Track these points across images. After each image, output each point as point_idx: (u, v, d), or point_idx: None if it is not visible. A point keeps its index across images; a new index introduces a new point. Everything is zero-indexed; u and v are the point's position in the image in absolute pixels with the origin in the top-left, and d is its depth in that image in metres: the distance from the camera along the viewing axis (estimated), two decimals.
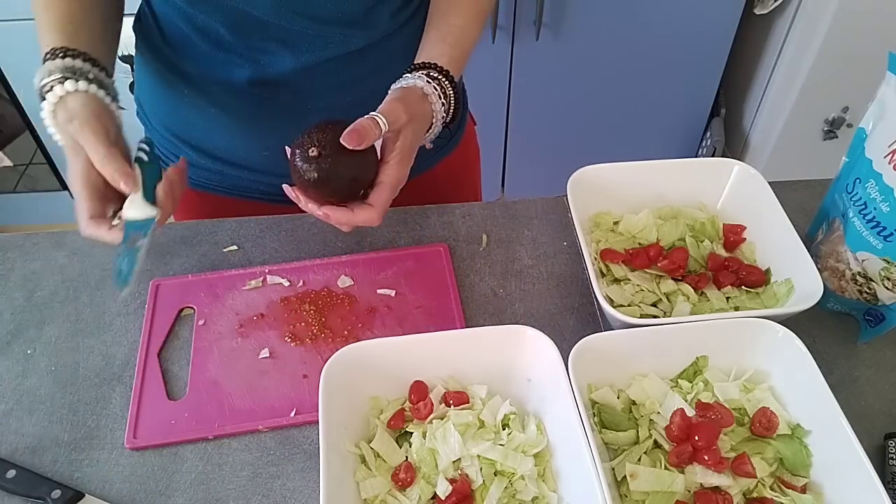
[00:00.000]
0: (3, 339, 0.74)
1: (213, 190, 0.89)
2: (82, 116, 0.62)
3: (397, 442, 0.62)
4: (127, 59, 1.45)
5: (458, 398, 0.63)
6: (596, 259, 0.76)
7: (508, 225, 0.85)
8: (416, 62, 0.73)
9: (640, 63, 1.81)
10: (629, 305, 0.72)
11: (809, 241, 0.77)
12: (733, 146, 2.02)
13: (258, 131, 0.81)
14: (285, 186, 0.66)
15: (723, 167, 0.80)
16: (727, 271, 0.74)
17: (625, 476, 0.58)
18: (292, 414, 0.68)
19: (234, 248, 0.83)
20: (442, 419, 0.62)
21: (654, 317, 0.71)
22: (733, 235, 0.78)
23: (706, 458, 0.58)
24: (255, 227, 0.85)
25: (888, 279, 0.67)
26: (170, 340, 0.74)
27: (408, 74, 0.71)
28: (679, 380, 0.66)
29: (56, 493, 0.62)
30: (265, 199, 0.88)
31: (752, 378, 0.65)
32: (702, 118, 1.97)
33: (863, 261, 0.69)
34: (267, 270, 0.79)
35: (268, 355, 0.72)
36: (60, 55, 0.65)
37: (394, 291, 0.78)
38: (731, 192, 0.80)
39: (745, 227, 0.78)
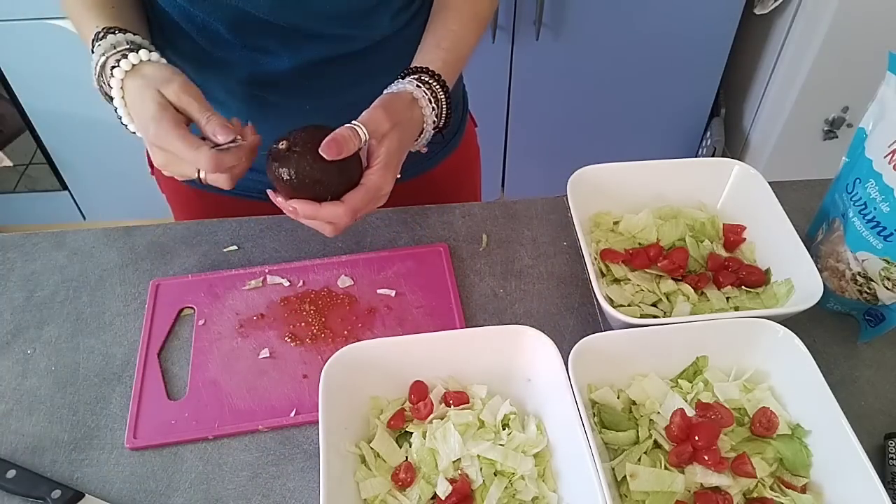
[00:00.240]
0: (3, 339, 0.74)
1: (213, 190, 0.89)
2: (171, 80, 0.63)
3: (397, 442, 0.62)
4: None
5: (458, 398, 0.63)
6: (596, 259, 0.76)
7: (508, 225, 0.85)
8: (409, 67, 0.73)
9: (640, 63, 1.81)
10: (629, 305, 0.72)
11: (809, 241, 0.77)
12: (733, 146, 2.02)
13: (257, 131, 0.81)
14: (269, 191, 0.66)
15: (723, 167, 0.80)
16: (727, 271, 0.74)
17: (625, 476, 0.58)
18: (292, 414, 0.68)
19: (234, 248, 0.83)
20: (442, 419, 0.62)
21: (654, 317, 0.71)
22: (733, 235, 0.78)
23: (706, 458, 0.58)
24: (255, 227, 0.85)
25: (888, 279, 0.67)
26: (170, 340, 0.74)
27: (399, 79, 0.71)
28: (679, 380, 0.66)
29: (56, 493, 0.62)
30: (265, 198, 0.88)
31: (752, 378, 0.65)
32: (702, 118, 1.97)
33: (863, 261, 0.69)
34: (267, 270, 0.79)
35: (268, 355, 0.72)
36: (113, 32, 0.66)
37: (394, 291, 0.78)
38: (731, 192, 0.80)
39: (745, 227, 0.78)
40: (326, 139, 0.62)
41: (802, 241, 0.71)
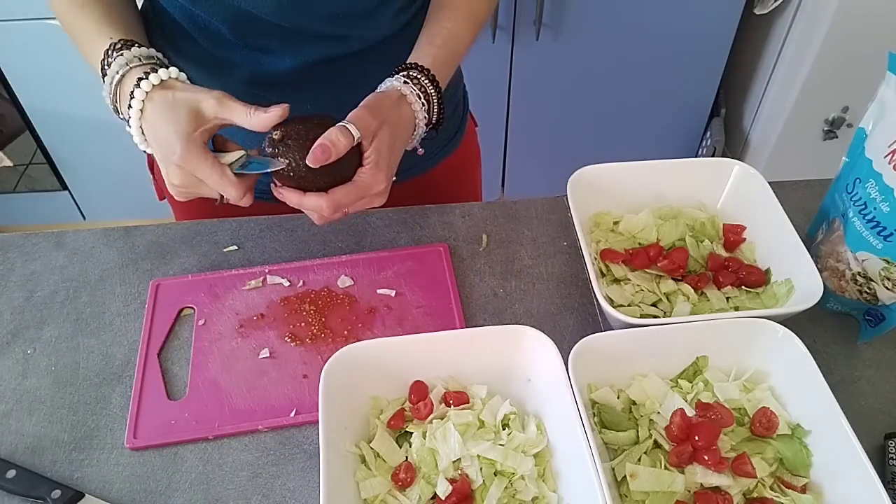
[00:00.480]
0: (3, 339, 0.74)
1: None
2: (206, 94, 0.63)
3: (397, 442, 0.62)
4: None
5: (458, 398, 0.63)
6: (596, 259, 0.76)
7: (508, 225, 0.85)
8: (400, 64, 0.72)
9: (640, 63, 1.81)
10: (629, 305, 0.72)
11: (809, 241, 0.77)
12: (733, 146, 2.02)
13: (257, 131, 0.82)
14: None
15: (723, 167, 0.80)
16: (727, 271, 0.74)
17: (625, 476, 0.58)
18: (292, 414, 0.68)
19: (234, 248, 0.83)
20: (442, 419, 0.62)
21: (654, 317, 0.71)
22: (733, 235, 0.78)
23: (706, 458, 0.58)
24: (255, 227, 0.85)
25: (888, 279, 0.67)
26: (170, 340, 0.74)
27: (388, 78, 0.71)
28: (679, 380, 0.66)
29: (56, 493, 0.62)
30: (265, 198, 0.88)
31: (752, 378, 0.65)
32: (702, 118, 1.97)
33: (863, 261, 0.69)
34: (267, 270, 0.79)
35: (268, 355, 0.72)
36: (129, 46, 0.66)
37: (394, 291, 0.78)
38: (731, 192, 0.80)
39: (745, 227, 0.78)
40: (315, 146, 0.61)
41: (802, 241, 0.71)
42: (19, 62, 1.70)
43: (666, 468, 0.59)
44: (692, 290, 0.73)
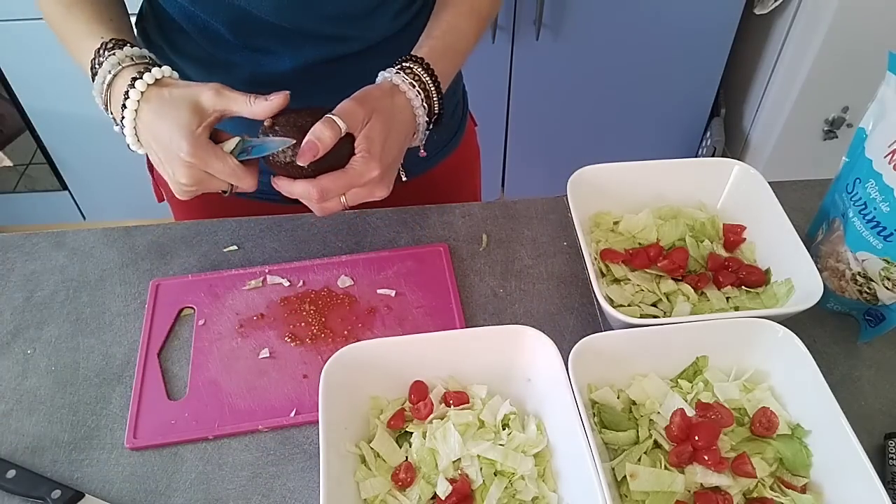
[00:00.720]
0: (3, 339, 0.74)
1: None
2: (203, 87, 0.63)
3: (397, 442, 0.62)
4: None
5: (458, 398, 0.63)
6: (596, 259, 0.76)
7: (508, 225, 0.85)
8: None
9: (640, 63, 1.81)
10: (629, 305, 0.72)
11: (809, 241, 0.77)
12: (733, 146, 2.02)
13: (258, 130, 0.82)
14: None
15: (723, 167, 0.80)
16: (727, 271, 0.74)
17: (625, 476, 0.58)
18: (292, 414, 0.68)
19: (234, 248, 0.83)
20: (442, 419, 0.62)
21: (654, 317, 0.71)
22: (733, 235, 0.78)
23: (706, 458, 0.58)
24: (255, 227, 0.85)
25: (888, 279, 0.67)
26: (170, 340, 0.74)
27: (382, 71, 0.70)
28: (679, 380, 0.66)
29: (56, 493, 0.62)
30: (265, 198, 0.88)
31: (752, 378, 0.65)
32: (702, 118, 1.97)
33: (863, 261, 0.69)
34: (267, 270, 0.79)
35: (268, 355, 0.72)
36: (121, 46, 0.66)
37: (394, 291, 0.78)
38: (731, 192, 0.80)
39: (745, 227, 0.78)
40: (302, 147, 0.61)
41: (802, 241, 0.71)
42: (19, 62, 1.70)
43: (666, 468, 0.59)
44: (692, 290, 0.73)
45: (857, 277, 0.70)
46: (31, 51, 1.66)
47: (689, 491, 0.58)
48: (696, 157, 2.03)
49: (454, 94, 0.94)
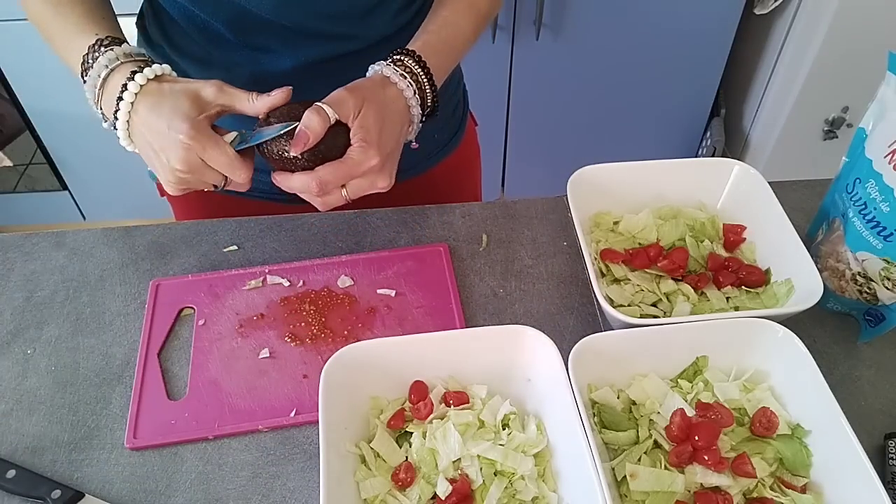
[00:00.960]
0: (3, 339, 0.74)
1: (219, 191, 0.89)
2: (205, 83, 0.64)
3: (397, 442, 0.62)
4: None
5: (458, 398, 0.63)
6: (596, 259, 0.76)
7: (508, 225, 0.85)
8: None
9: (640, 63, 1.81)
10: (629, 305, 0.72)
11: (809, 241, 0.77)
12: (733, 146, 2.02)
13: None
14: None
15: (723, 167, 0.80)
16: (727, 271, 0.74)
17: (625, 476, 0.58)
18: (292, 414, 0.68)
19: (234, 248, 0.83)
20: (442, 419, 0.62)
21: (654, 317, 0.71)
22: (733, 235, 0.78)
23: (706, 458, 0.58)
24: (255, 227, 0.85)
25: (888, 279, 0.67)
26: (170, 340, 0.74)
27: (372, 65, 0.70)
28: (679, 380, 0.66)
29: (56, 493, 0.62)
30: (265, 198, 0.88)
31: (752, 378, 0.65)
32: (702, 118, 1.97)
33: (863, 261, 0.69)
34: (267, 270, 0.79)
35: (268, 355, 0.72)
36: (118, 43, 0.66)
37: (394, 291, 0.78)
38: (731, 192, 0.80)
39: (745, 227, 0.78)
40: (295, 135, 0.61)
41: (802, 241, 0.71)
42: (19, 62, 1.70)
43: (666, 468, 0.59)
44: (692, 290, 0.73)
45: (857, 277, 0.70)
46: (31, 51, 1.66)
47: (689, 491, 0.58)
48: (696, 157, 2.03)
49: (455, 93, 0.94)
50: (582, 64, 1.80)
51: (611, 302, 0.71)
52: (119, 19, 0.73)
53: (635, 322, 0.64)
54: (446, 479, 0.59)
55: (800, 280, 0.70)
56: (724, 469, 0.58)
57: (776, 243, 0.74)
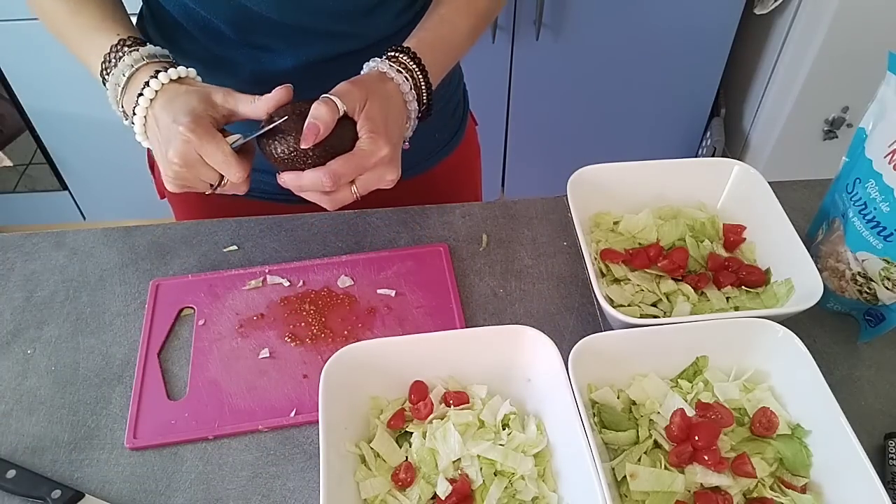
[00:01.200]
0: (3, 339, 0.74)
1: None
2: (217, 88, 0.65)
3: (397, 442, 0.62)
4: None
5: (458, 398, 0.63)
6: (596, 259, 0.76)
7: (508, 225, 0.85)
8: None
9: (640, 63, 1.81)
10: (629, 305, 0.72)
11: (809, 241, 0.77)
12: (733, 146, 2.02)
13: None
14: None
15: (723, 167, 0.80)
16: (727, 271, 0.74)
17: (625, 476, 0.58)
18: (292, 414, 0.68)
19: (234, 248, 0.83)
20: (442, 419, 0.62)
21: (654, 317, 0.71)
22: (733, 235, 0.78)
23: (706, 458, 0.58)
24: (255, 227, 0.85)
25: (888, 279, 0.67)
26: (170, 340, 0.74)
27: (367, 62, 0.70)
28: (679, 380, 0.66)
29: (56, 493, 0.62)
30: (265, 198, 0.88)
31: (752, 378, 0.65)
32: (702, 118, 1.97)
33: (863, 261, 0.69)
34: (267, 270, 0.79)
35: (268, 355, 0.72)
36: (142, 43, 0.67)
37: (394, 291, 0.78)
38: (731, 192, 0.80)
39: (745, 227, 0.78)
40: (304, 131, 0.61)
41: (802, 241, 0.71)
42: (19, 62, 1.70)
43: (666, 468, 0.59)
44: (692, 290, 0.73)
45: (857, 277, 0.70)
46: (31, 51, 1.66)
47: (689, 491, 0.58)
48: (696, 157, 2.03)
49: (455, 92, 0.94)
50: (582, 64, 1.80)
51: (611, 302, 0.71)
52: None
53: (635, 322, 0.64)
54: (446, 479, 0.59)
55: (800, 280, 0.70)
56: (724, 469, 0.58)
57: (776, 243, 0.74)
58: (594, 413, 0.63)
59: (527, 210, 0.87)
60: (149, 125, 0.66)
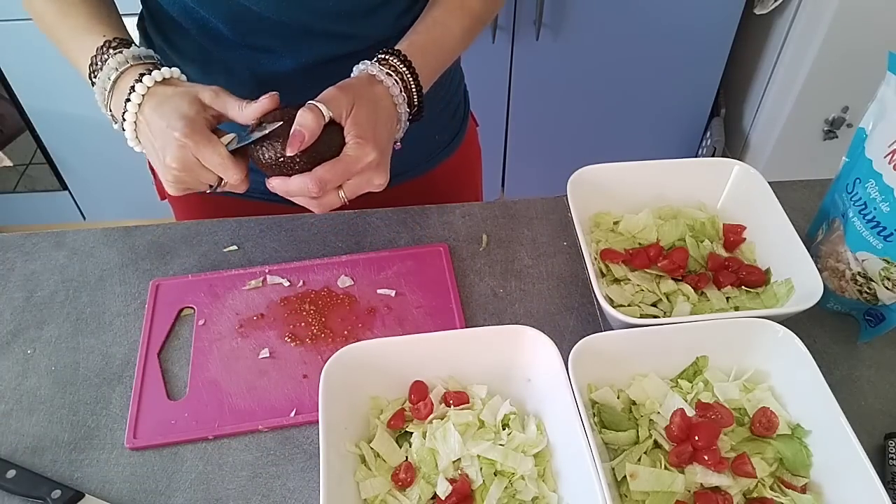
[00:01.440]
0: (3, 339, 0.74)
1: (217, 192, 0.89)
2: (205, 87, 0.65)
3: (397, 442, 0.62)
4: None
5: (458, 398, 0.63)
6: (596, 259, 0.76)
7: (508, 225, 0.85)
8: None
9: (640, 63, 1.81)
10: (629, 305, 0.72)
11: (809, 241, 0.77)
12: (733, 146, 2.02)
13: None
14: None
15: (723, 167, 0.80)
16: (727, 271, 0.74)
17: (625, 476, 0.58)
18: (292, 414, 0.68)
19: (234, 248, 0.83)
20: (442, 419, 0.62)
21: (654, 317, 0.71)
22: (733, 235, 0.78)
23: (706, 458, 0.58)
24: (255, 227, 0.85)
25: (888, 279, 0.67)
26: (170, 340, 0.74)
27: (357, 65, 0.70)
28: (679, 380, 0.66)
29: (56, 493, 0.62)
30: (265, 198, 0.88)
31: (752, 378, 0.65)
32: (702, 118, 1.97)
33: (863, 261, 0.69)
34: (267, 270, 0.79)
35: (268, 355, 0.72)
36: (127, 44, 0.67)
37: (394, 291, 0.78)
38: (731, 192, 0.80)
39: (745, 227, 0.78)
40: (290, 135, 0.61)
41: (802, 241, 0.71)
42: (19, 62, 1.70)
43: (666, 468, 0.59)
44: (692, 290, 0.73)
45: (857, 277, 0.70)
46: (31, 51, 1.66)
47: (689, 491, 0.58)
48: (696, 157, 2.03)
49: (455, 94, 0.94)
50: (582, 64, 1.80)
51: (611, 302, 0.71)
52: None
53: (635, 322, 0.64)
54: (446, 479, 0.59)
55: (800, 280, 0.70)
56: (724, 469, 0.58)
57: (776, 243, 0.74)
58: (594, 413, 0.63)
59: (527, 210, 0.87)
60: (140, 130, 0.65)
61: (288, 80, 0.77)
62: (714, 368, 0.66)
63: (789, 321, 0.64)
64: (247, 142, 0.64)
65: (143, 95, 0.64)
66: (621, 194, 0.80)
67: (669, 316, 0.72)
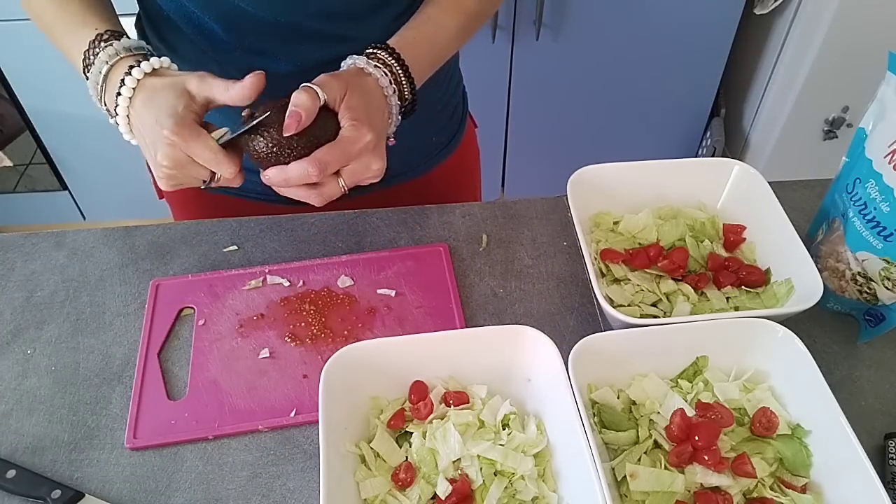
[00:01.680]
0: (3, 339, 0.74)
1: (214, 190, 0.89)
2: (191, 74, 0.64)
3: (397, 442, 0.62)
4: None
5: (458, 398, 0.63)
6: (596, 259, 0.76)
7: (508, 225, 0.85)
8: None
9: (640, 63, 1.81)
10: (629, 305, 0.72)
11: (809, 241, 0.77)
12: (733, 146, 2.02)
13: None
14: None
15: (723, 167, 0.80)
16: (727, 271, 0.74)
17: (625, 476, 0.58)
18: (292, 414, 0.68)
19: (234, 248, 0.83)
20: (442, 419, 0.62)
21: (654, 317, 0.71)
22: (733, 235, 0.78)
23: (706, 458, 0.58)
24: (255, 227, 0.85)
25: (888, 279, 0.67)
26: (170, 340, 0.74)
27: (345, 59, 0.70)
28: (679, 380, 0.66)
29: (56, 493, 0.62)
30: (265, 198, 0.88)
31: (752, 378, 0.65)
32: (702, 118, 1.97)
33: (863, 261, 0.69)
34: (267, 270, 0.79)
35: (268, 355, 0.72)
36: (117, 37, 0.67)
37: (394, 291, 0.78)
38: (731, 192, 0.80)
39: (745, 227, 0.78)
40: (287, 115, 0.60)
41: (802, 241, 0.71)
42: (19, 62, 1.70)
43: (666, 468, 0.59)
44: (692, 290, 0.73)
45: (857, 277, 0.70)
46: (31, 51, 1.66)
47: (689, 491, 0.58)
48: (696, 157, 2.03)
49: (453, 95, 0.94)
50: (582, 64, 1.80)
51: (611, 302, 0.71)
52: (120, 20, 0.73)
53: (635, 322, 0.64)
54: (446, 479, 0.59)
55: (800, 280, 0.70)
56: (724, 469, 0.58)
57: (776, 243, 0.74)
58: (594, 413, 0.63)
59: (527, 210, 0.87)
60: (133, 124, 0.65)
61: (283, 84, 0.77)
62: (714, 368, 0.66)
63: (789, 321, 0.64)
64: (239, 131, 0.62)
65: (133, 89, 0.64)
66: (621, 194, 0.80)
67: (669, 316, 0.72)
